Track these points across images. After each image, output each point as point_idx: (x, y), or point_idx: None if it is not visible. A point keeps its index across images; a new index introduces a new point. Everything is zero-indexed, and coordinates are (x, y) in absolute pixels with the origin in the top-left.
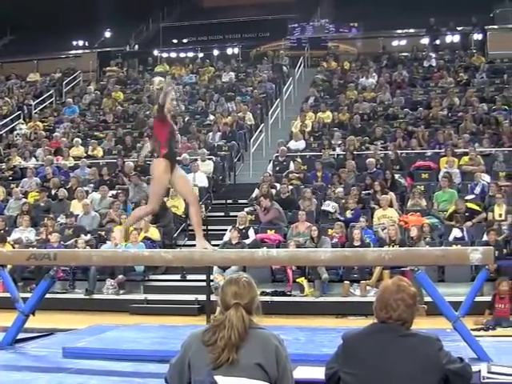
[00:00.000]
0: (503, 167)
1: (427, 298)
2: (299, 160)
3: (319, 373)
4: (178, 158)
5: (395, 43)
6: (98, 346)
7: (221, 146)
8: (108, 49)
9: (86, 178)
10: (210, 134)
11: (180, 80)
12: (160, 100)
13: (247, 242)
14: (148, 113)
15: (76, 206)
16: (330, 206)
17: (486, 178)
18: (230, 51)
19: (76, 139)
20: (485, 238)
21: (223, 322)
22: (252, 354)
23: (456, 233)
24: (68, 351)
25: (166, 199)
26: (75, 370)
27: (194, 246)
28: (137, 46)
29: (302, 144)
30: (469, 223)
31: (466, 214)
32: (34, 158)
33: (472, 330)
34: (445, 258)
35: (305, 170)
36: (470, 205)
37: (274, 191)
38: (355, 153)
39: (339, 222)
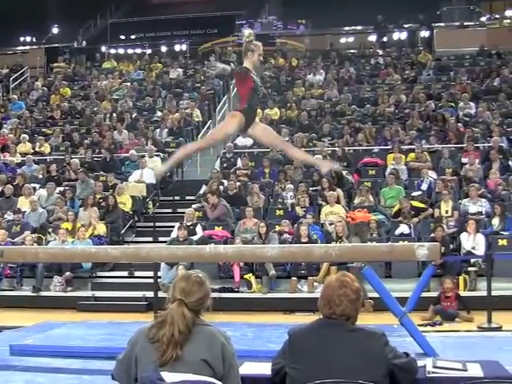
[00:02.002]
0: (449, 164)
1: (374, 294)
2: (247, 156)
3: (266, 368)
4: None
5: (343, 40)
6: (46, 344)
7: (168, 143)
8: (56, 45)
9: (34, 174)
10: (158, 130)
11: (127, 76)
12: (247, 53)
13: (195, 238)
14: (96, 109)
15: (23, 203)
16: None
17: (433, 174)
18: (177, 48)
19: (23, 135)
20: (432, 234)
21: (165, 319)
22: (198, 350)
23: (403, 229)
24: (15, 348)
25: (115, 195)
26: (22, 368)
27: (141, 242)
28: (84, 42)
29: (249, 140)
30: (415, 219)
31: (412, 213)
32: None
33: (419, 325)
34: (391, 254)
35: (252, 167)
36: (414, 203)
37: (221, 188)
38: (303, 149)
39: (286, 220)
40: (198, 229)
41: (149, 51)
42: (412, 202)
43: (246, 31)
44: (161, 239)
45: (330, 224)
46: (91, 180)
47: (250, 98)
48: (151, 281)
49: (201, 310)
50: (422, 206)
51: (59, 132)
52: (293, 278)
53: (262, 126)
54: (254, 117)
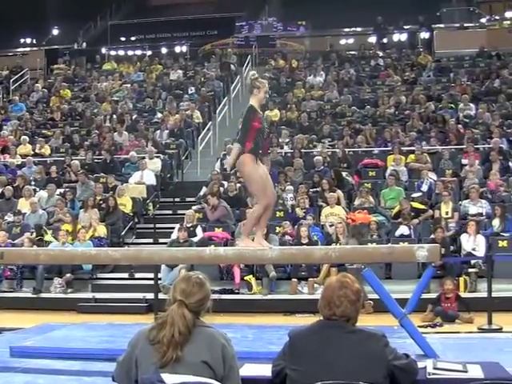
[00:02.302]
0: (449, 165)
1: (374, 295)
2: None
3: (266, 370)
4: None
5: (343, 41)
6: (46, 345)
7: (168, 144)
8: (56, 46)
9: (34, 176)
10: (158, 131)
11: (128, 78)
12: (253, 90)
13: (195, 239)
14: (96, 111)
15: (23, 204)
16: None
17: (433, 175)
18: (178, 49)
19: (23, 137)
20: (432, 235)
21: (166, 320)
22: (198, 351)
23: (403, 230)
24: (15, 350)
25: (116, 197)
26: (22, 369)
27: (141, 244)
28: (84, 44)
29: None
30: (415, 221)
31: (412, 214)
32: None
33: (419, 326)
34: (391, 256)
35: None
36: (414, 204)
37: (221, 189)
38: (303, 151)
39: (286, 221)
40: (198, 230)
41: (149, 53)
42: (412, 203)
43: (251, 72)
44: (161, 241)
45: (331, 225)
46: (91, 182)
47: (256, 138)
48: (151, 282)
49: (201, 312)
50: (422, 207)
51: (59, 134)
52: (293, 280)
53: (266, 170)
54: (259, 155)
